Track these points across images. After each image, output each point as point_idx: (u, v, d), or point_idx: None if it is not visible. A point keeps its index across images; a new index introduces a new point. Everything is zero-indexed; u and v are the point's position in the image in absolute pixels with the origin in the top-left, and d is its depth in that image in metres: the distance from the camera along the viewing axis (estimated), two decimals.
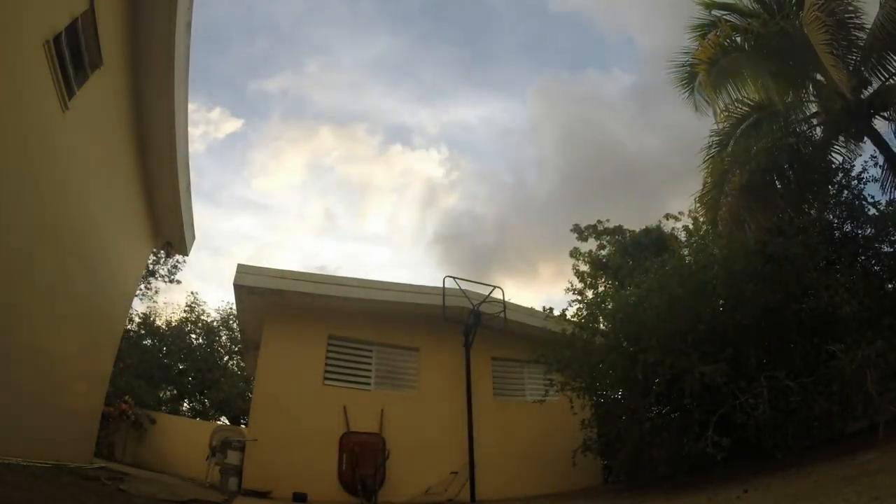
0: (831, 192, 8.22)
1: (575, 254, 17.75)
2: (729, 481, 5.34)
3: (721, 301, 6.79)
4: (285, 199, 50.39)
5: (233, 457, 7.60)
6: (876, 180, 8.14)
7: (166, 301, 24.37)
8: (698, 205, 10.00)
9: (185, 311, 21.02)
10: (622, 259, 14.90)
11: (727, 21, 9.14)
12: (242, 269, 8.27)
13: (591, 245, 17.59)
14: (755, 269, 6.50)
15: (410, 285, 9.31)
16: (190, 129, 7.47)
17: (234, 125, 43.75)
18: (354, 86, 44.04)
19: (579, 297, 15.01)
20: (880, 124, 8.06)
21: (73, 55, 4.50)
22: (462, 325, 9.09)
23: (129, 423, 12.47)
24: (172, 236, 9.14)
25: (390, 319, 9.09)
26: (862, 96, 7.94)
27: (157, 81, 6.04)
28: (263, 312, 8.62)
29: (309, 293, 8.46)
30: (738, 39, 8.95)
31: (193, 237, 9.60)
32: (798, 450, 5.65)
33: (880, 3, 7.32)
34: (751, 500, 4.24)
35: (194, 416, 19.57)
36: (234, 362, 21.56)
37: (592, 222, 17.85)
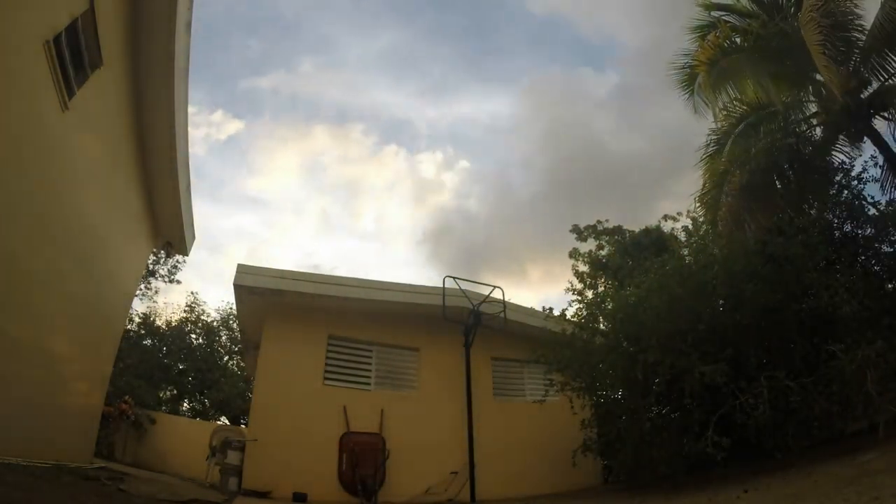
0: (831, 192, 8.22)
1: (574, 254, 17.78)
2: (729, 481, 5.35)
3: (721, 301, 6.79)
4: (282, 198, 50.61)
5: (233, 457, 7.60)
6: (876, 180, 8.14)
7: (166, 301, 24.41)
8: (698, 205, 10.00)
9: (185, 311, 21.05)
10: (622, 259, 14.91)
11: (726, 22, 9.14)
12: (242, 269, 8.27)
13: (590, 245, 17.63)
14: (755, 269, 6.50)
15: (410, 285, 9.31)
16: (190, 128, 7.48)
17: (232, 122, 43.85)
18: (353, 83, 44.16)
19: (579, 298, 15.02)
20: (880, 124, 8.06)
21: (73, 55, 4.51)
22: (462, 325, 9.09)
23: (129, 423, 12.47)
24: (172, 236, 9.14)
25: (390, 319, 9.09)
26: (862, 96, 7.94)
27: (157, 81, 6.05)
28: (263, 312, 8.62)
29: (309, 293, 8.46)
30: (738, 40, 8.95)
31: (193, 237, 9.61)
32: (798, 450, 5.66)
33: (881, 3, 7.33)
34: (751, 500, 4.24)
35: (194, 416, 19.58)
36: (234, 362, 21.56)
37: (581, 223, 17.90)
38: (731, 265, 6.75)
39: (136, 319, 19.09)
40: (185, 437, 13.24)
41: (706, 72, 8.73)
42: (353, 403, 8.28)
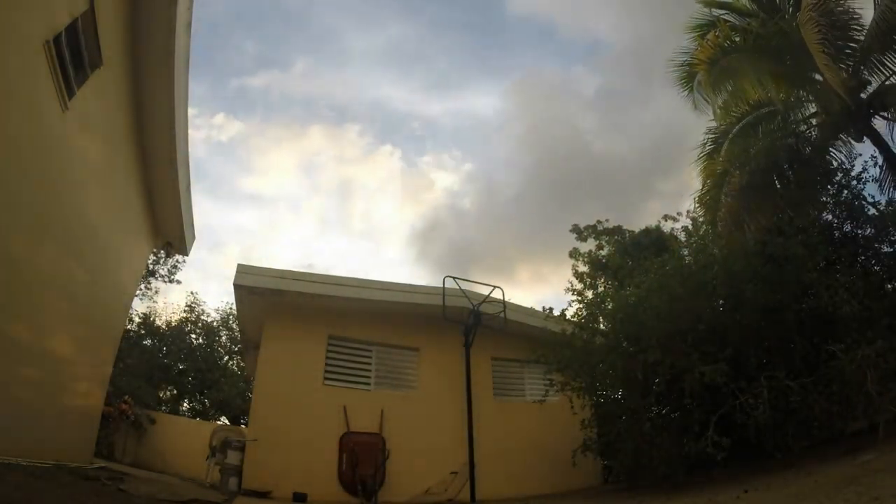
0: (831, 192, 8.23)
1: (574, 254, 17.78)
2: (729, 481, 5.35)
3: (721, 301, 6.79)
4: (278, 197, 50.58)
5: (233, 457, 7.60)
6: (876, 180, 8.14)
7: (166, 301, 24.40)
8: (698, 205, 10.01)
9: (184, 311, 21.06)
10: (622, 259, 14.91)
11: (726, 21, 9.13)
12: (242, 270, 8.27)
13: (590, 245, 17.63)
14: (755, 269, 6.50)
15: (410, 285, 9.32)
16: (190, 129, 7.47)
17: (231, 120, 43.81)
18: (350, 80, 44.13)
19: (579, 298, 15.02)
20: (880, 124, 8.06)
21: (73, 55, 4.50)
22: (462, 325, 9.09)
23: (129, 423, 12.47)
24: (172, 236, 9.14)
25: (390, 319, 9.09)
26: (862, 96, 7.94)
27: (157, 81, 6.04)
28: (263, 312, 8.62)
29: (309, 293, 8.46)
30: (738, 39, 8.95)
31: (193, 237, 9.60)
32: (798, 450, 5.65)
33: (874, 3, 7.33)
34: (751, 500, 4.24)
35: (194, 416, 19.58)
36: (234, 362, 21.57)
37: (569, 223, 17.95)
38: (731, 265, 6.75)
39: (136, 319, 19.11)
40: (185, 437, 13.24)
41: (706, 70, 8.73)
42: (353, 403, 8.28)
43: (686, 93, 9.55)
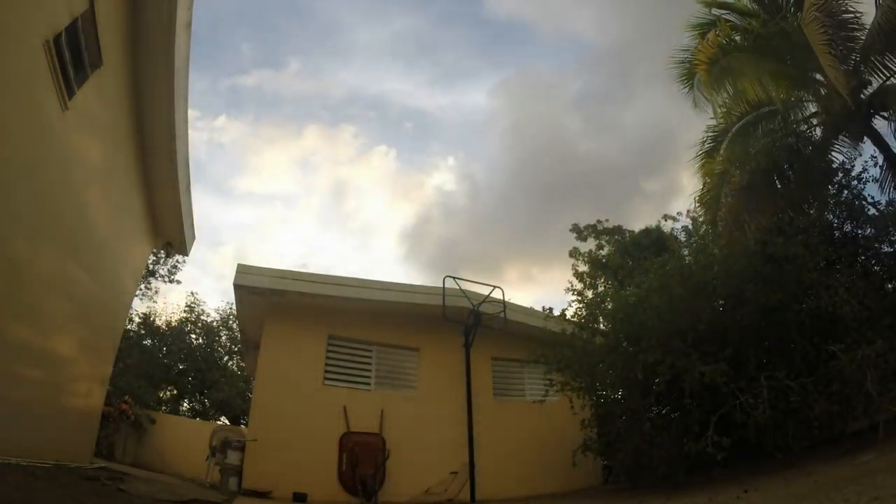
0: (831, 192, 8.23)
1: (574, 254, 17.79)
2: (729, 481, 5.35)
3: (721, 301, 6.79)
4: (272, 196, 50.62)
5: (233, 457, 7.59)
6: (876, 180, 8.14)
7: (166, 301, 24.41)
8: (698, 205, 10.01)
9: (184, 311, 21.07)
10: (622, 259, 14.92)
11: (727, 20, 9.14)
12: (242, 269, 8.27)
13: (589, 245, 17.65)
14: (755, 270, 6.50)
15: (410, 285, 9.33)
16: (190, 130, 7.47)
17: (230, 119, 43.80)
18: (350, 79, 44.05)
19: (579, 298, 15.03)
20: (880, 124, 8.06)
21: (73, 55, 4.50)
22: (462, 325, 9.09)
23: (129, 423, 12.47)
24: (172, 236, 9.14)
25: (390, 319, 9.09)
26: (862, 96, 7.94)
27: (157, 81, 6.04)
28: (263, 312, 8.62)
29: (309, 293, 8.46)
30: (738, 39, 8.95)
31: (193, 237, 9.60)
32: (798, 450, 5.65)
33: (877, 3, 7.33)
34: (751, 500, 4.24)
35: (194, 416, 19.58)
36: (234, 362, 21.57)
37: (560, 224, 17.97)
38: (732, 265, 6.75)
39: (136, 319, 19.11)
40: (185, 437, 13.24)
41: (706, 70, 8.73)
42: (353, 403, 8.28)
43: (686, 90, 9.58)
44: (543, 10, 41.18)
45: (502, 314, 9.13)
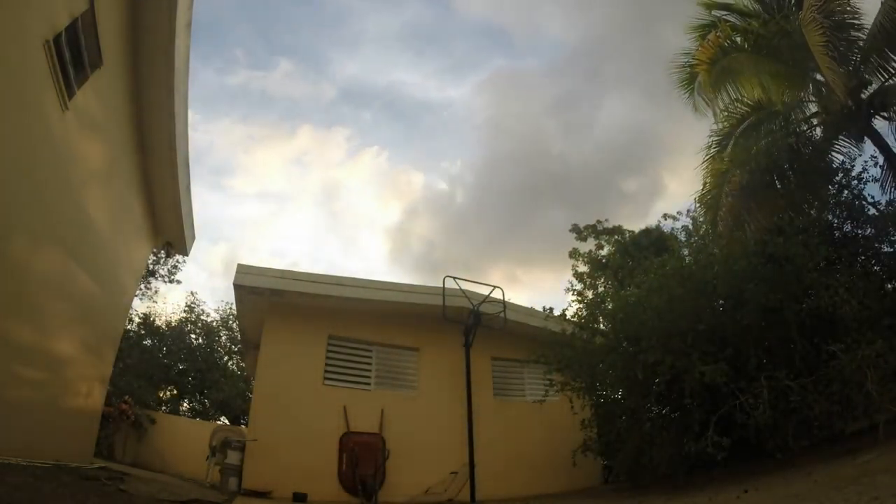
0: (831, 192, 8.22)
1: (574, 254, 17.78)
2: (729, 481, 5.35)
3: (721, 301, 6.79)
4: (264, 195, 50.60)
5: (233, 457, 7.60)
6: (876, 180, 8.13)
7: (166, 301, 24.41)
8: (698, 205, 10.00)
9: (184, 311, 21.06)
10: (622, 259, 14.91)
11: (727, 21, 9.14)
12: (242, 269, 8.27)
13: (589, 245, 17.64)
14: (755, 269, 6.50)
15: (410, 285, 9.34)
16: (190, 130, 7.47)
17: (230, 117, 43.77)
18: (349, 76, 43.99)
19: (579, 298, 15.03)
20: (880, 124, 8.05)
21: (73, 55, 4.51)
22: (462, 325, 9.09)
23: (129, 423, 12.45)
24: (172, 236, 9.15)
25: (390, 319, 9.09)
26: (862, 96, 7.94)
27: (157, 81, 6.04)
28: (263, 312, 8.62)
29: (309, 293, 8.46)
30: (738, 40, 8.95)
31: (193, 237, 9.61)
32: (798, 450, 5.65)
33: (881, 2, 7.32)
34: (751, 500, 4.25)
35: (194, 416, 19.56)
36: (234, 362, 21.55)
37: (542, 226, 17.96)
38: (732, 265, 6.75)
39: (136, 319, 19.08)
40: (185, 437, 13.24)
41: (706, 71, 8.73)
42: (353, 403, 8.29)
43: (687, 94, 9.57)
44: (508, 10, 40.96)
45: (502, 314, 9.13)
